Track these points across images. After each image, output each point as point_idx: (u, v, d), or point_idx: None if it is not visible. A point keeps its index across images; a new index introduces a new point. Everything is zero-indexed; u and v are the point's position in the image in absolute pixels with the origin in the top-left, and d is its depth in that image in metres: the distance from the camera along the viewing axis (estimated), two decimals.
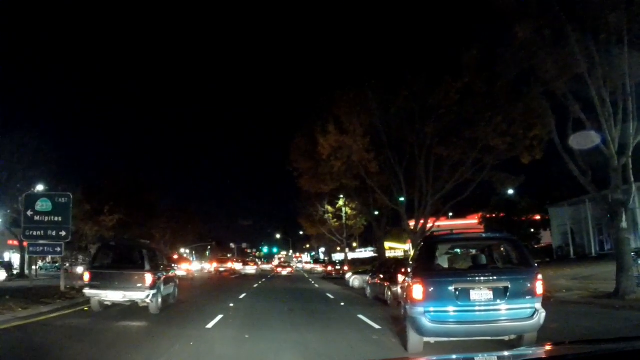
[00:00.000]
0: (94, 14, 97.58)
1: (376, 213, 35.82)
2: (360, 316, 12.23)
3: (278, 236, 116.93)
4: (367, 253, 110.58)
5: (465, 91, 20.46)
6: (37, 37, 78.45)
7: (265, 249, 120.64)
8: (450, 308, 6.71)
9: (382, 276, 16.57)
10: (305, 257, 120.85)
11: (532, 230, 40.70)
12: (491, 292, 6.67)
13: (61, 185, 29.65)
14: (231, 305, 14.98)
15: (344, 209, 45.38)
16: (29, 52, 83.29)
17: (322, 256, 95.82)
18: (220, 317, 11.70)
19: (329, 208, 47.24)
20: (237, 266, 55.42)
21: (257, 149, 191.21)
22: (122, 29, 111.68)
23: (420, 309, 6.70)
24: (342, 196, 44.28)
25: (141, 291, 12.04)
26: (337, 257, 76.32)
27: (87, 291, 12.43)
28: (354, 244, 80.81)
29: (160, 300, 12.75)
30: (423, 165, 22.65)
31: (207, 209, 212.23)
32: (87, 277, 12.65)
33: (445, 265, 8.58)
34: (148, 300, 12.09)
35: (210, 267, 56.39)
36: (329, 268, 46.26)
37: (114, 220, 50.07)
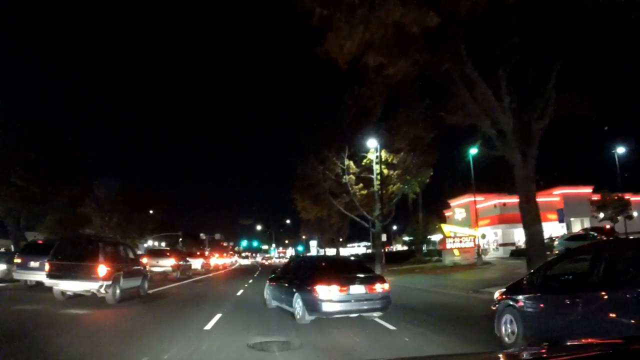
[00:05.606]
0: None
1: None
2: None
3: (259, 227, 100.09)
4: (360, 248, 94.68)
5: None
6: None
7: (245, 243, 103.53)
8: None
9: None
10: (290, 251, 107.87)
11: None
12: None
13: None
14: None
15: (375, 166, 28.24)
16: None
17: (313, 251, 78.61)
18: None
19: (352, 165, 29.94)
20: (195, 262, 37.68)
21: (239, 123, 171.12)
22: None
23: None
24: (374, 147, 27.44)
25: (95, 282, 12.33)
26: (347, 251, 59.31)
27: (47, 281, 12.76)
28: (341, 239, 62.54)
29: (118, 291, 12.84)
30: None
31: (184, 196, 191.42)
32: (47, 267, 12.86)
33: None
34: (102, 291, 12.32)
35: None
36: None
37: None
